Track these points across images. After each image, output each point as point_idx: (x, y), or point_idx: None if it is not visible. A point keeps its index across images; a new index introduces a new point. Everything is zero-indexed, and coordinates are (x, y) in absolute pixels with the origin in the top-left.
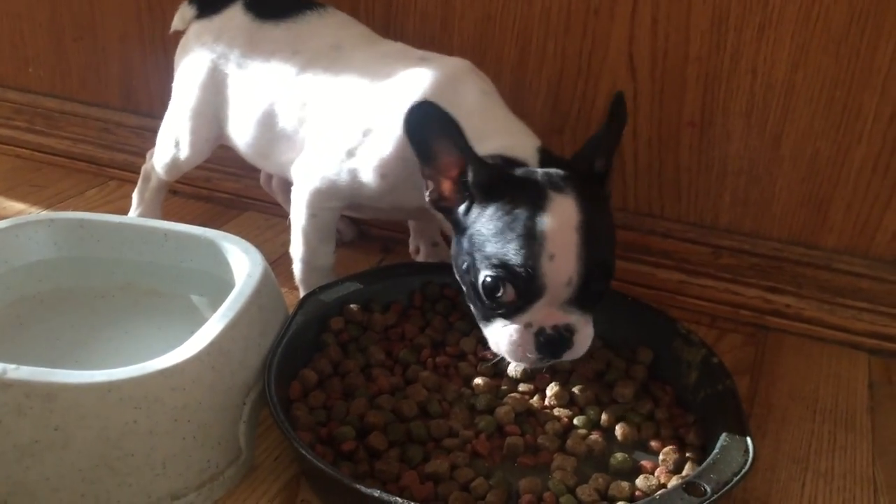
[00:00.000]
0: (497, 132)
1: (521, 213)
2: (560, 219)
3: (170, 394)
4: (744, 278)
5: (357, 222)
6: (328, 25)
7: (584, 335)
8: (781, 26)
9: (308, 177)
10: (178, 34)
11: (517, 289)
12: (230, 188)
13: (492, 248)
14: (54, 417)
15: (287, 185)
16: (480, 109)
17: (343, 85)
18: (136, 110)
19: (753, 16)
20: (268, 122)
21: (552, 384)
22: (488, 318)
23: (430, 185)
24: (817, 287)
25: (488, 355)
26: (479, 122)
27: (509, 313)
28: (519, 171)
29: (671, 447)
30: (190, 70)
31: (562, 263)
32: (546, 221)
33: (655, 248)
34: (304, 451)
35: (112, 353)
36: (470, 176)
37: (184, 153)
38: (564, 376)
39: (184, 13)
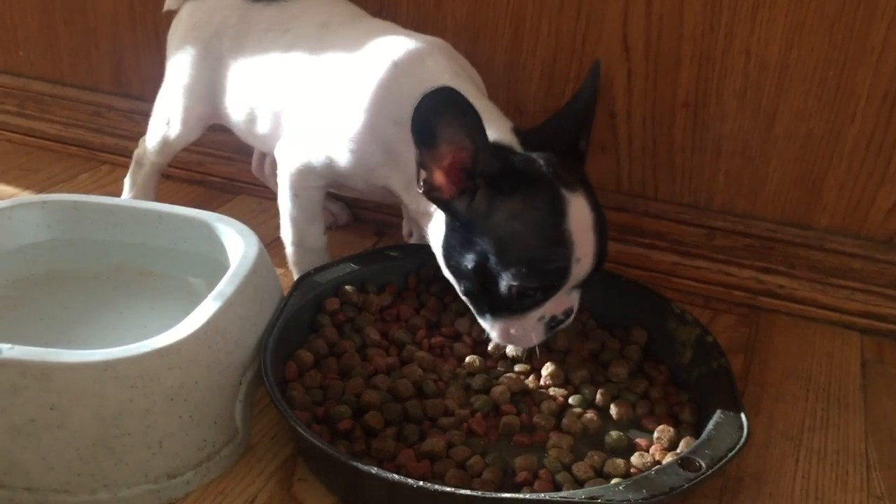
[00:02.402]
0: None
1: (544, 216)
2: (582, 222)
3: (166, 373)
4: (737, 259)
5: (351, 206)
6: (319, 4)
7: (576, 310)
8: (775, 6)
9: (287, 158)
10: (170, 15)
11: (545, 291)
12: (223, 172)
13: (521, 252)
14: (50, 396)
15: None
16: None
17: (322, 62)
18: (127, 94)
19: None
20: (260, 101)
21: (548, 364)
22: (498, 313)
23: (423, 173)
24: (810, 267)
25: (493, 349)
26: None
27: (526, 309)
28: (521, 161)
29: (666, 425)
30: (183, 49)
31: (585, 263)
32: (572, 226)
33: (649, 229)
34: (301, 430)
35: (106, 334)
36: (479, 165)
37: (175, 131)
38: (560, 356)
39: None
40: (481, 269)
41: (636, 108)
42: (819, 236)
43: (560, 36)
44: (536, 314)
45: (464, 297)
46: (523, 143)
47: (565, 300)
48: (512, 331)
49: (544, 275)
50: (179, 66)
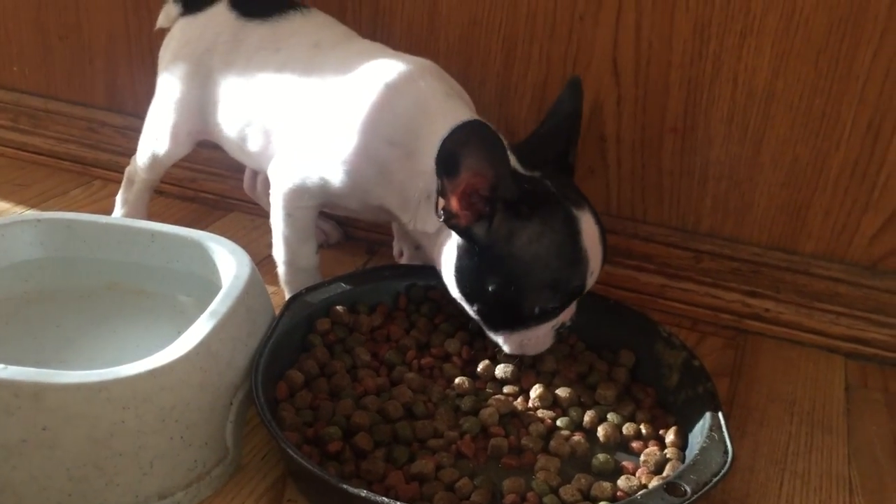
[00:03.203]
0: None
1: (564, 238)
2: (592, 238)
3: (158, 394)
4: (724, 282)
5: (343, 224)
6: (311, 25)
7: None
8: (762, 34)
9: (281, 177)
10: (163, 32)
11: (563, 305)
12: (215, 189)
13: (545, 274)
14: (42, 417)
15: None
16: (443, 109)
17: (314, 83)
18: (121, 110)
19: (735, 24)
20: (251, 119)
21: (536, 386)
22: (514, 328)
23: (442, 202)
24: (795, 291)
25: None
26: (442, 122)
27: (543, 321)
28: (532, 184)
29: (652, 448)
30: (174, 64)
31: (595, 274)
32: (586, 244)
33: (637, 251)
34: (290, 451)
35: (98, 353)
36: (500, 191)
37: (164, 146)
38: (548, 378)
39: (169, 11)
40: (502, 290)
41: (625, 133)
42: (805, 261)
43: (551, 61)
44: (551, 324)
45: (476, 317)
46: (521, 162)
47: (572, 307)
48: (525, 342)
49: (566, 293)
50: (170, 82)
